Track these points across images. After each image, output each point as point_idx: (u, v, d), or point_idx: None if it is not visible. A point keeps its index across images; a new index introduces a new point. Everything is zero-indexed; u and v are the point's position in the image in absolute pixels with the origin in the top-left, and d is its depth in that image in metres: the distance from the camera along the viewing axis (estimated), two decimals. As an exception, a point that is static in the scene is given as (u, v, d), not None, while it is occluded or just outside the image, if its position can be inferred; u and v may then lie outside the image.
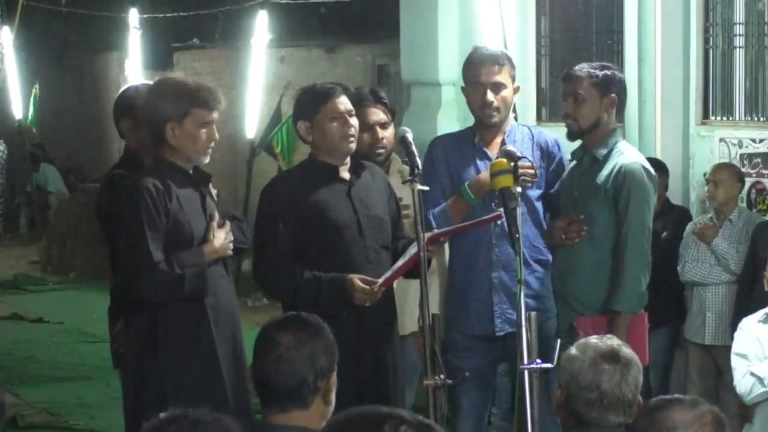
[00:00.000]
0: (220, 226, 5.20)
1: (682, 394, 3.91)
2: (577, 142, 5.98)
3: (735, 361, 6.83)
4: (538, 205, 5.95)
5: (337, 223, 5.41)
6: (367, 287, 5.28)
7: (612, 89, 5.85)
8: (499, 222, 5.52)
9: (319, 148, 5.49)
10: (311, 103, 5.48)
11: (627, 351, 3.94)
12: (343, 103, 5.45)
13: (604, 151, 5.82)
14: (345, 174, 5.50)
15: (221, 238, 5.17)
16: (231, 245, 5.23)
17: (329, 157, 5.48)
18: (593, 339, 4.03)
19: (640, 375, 3.92)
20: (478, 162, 5.91)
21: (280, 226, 5.40)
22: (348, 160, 5.50)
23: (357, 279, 5.29)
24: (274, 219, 5.43)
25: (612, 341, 3.99)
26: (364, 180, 5.53)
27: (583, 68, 5.89)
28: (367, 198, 5.50)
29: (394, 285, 5.76)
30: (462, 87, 6.07)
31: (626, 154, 5.84)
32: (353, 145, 5.48)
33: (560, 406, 3.98)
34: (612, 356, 3.90)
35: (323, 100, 5.44)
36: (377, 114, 6.09)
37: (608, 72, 5.87)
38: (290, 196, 5.43)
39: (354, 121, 5.47)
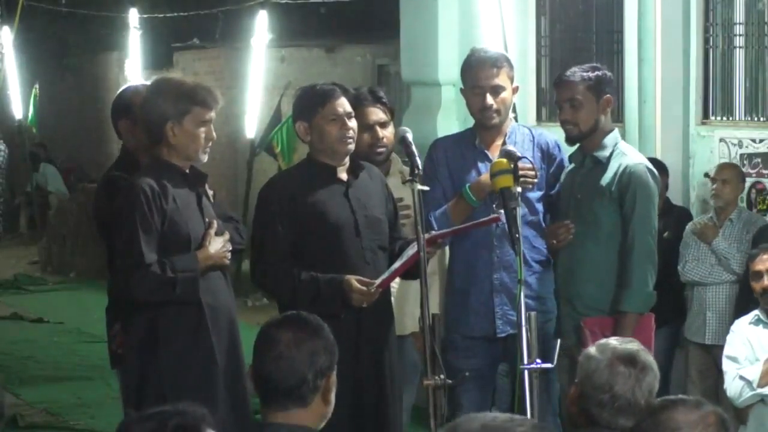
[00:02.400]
0: (219, 234, 5.21)
1: (682, 394, 3.90)
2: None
3: (726, 365, 6.84)
4: (539, 206, 5.95)
5: (334, 223, 5.40)
6: (364, 288, 5.28)
7: (606, 90, 5.84)
8: (499, 223, 5.52)
9: (317, 149, 5.50)
10: (310, 104, 5.48)
11: (645, 356, 3.92)
12: (342, 105, 5.45)
13: (606, 153, 5.81)
14: (343, 174, 5.50)
15: (217, 246, 5.17)
16: (228, 254, 5.23)
17: (327, 158, 5.48)
18: (613, 340, 4.01)
19: (655, 381, 3.90)
20: (479, 164, 5.90)
21: (278, 226, 5.40)
22: (346, 160, 5.50)
23: (354, 280, 5.29)
24: (271, 219, 5.43)
25: (632, 345, 3.97)
26: (361, 180, 5.53)
27: (575, 72, 5.86)
28: (365, 198, 5.50)
29: (394, 286, 5.76)
30: (461, 89, 6.06)
31: (629, 155, 5.84)
32: (351, 147, 5.47)
33: (573, 403, 3.97)
34: (629, 359, 3.89)
35: (322, 101, 5.44)
36: (377, 113, 6.08)
37: (599, 73, 5.86)
38: (288, 196, 5.43)
39: (352, 123, 5.47)
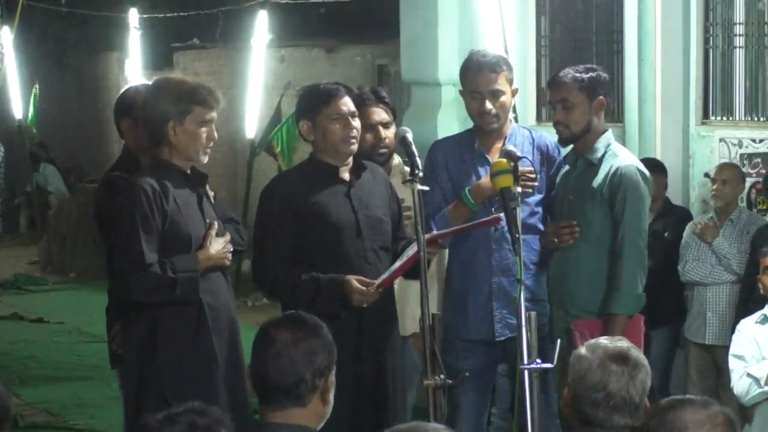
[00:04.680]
0: (220, 235, 5.20)
1: (682, 394, 3.89)
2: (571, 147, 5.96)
3: (732, 363, 6.83)
4: (538, 209, 5.93)
5: (335, 223, 5.40)
6: (364, 288, 5.28)
7: (599, 91, 5.81)
8: (498, 227, 5.52)
9: (320, 148, 5.50)
10: (314, 103, 5.48)
11: (636, 353, 3.93)
12: (346, 104, 5.45)
13: (598, 155, 5.80)
14: (345, 174, 5.50)
15: (218, 246, 5.17)
16: (229, 255, 5.23)
17: (330, 158, 5.48)
18: (603, 339, 4.02)
19: (648, 378, 3.91)
20: (479, 168, 5.88)
21: (280, 226, 5.41)
22: (350, 160, 5.50)
23: (354, 280, 5.29)
24: (273, 219, 5.43)
25: (622, 343, 3.98)
26: (364, 180, 5.53)
27: (568, 74, 5.83)
28: (367, 199, 5.50)
29: (395, 286, 5.75)
30: (460, 91, 6.05)
31: (620, 157, 5.82)
32: (354, 147, 5.48)
33: (567, 404, 3.97)
34: (621, 357, 3.90)
35: (326, 100, 5.44)
36: (379, 114, 6.09)
37: (593, 74, 5.83)
38: (290, 196, 5.43)
39: (356, 122, 5.47)
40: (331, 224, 5.40)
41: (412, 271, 5.23)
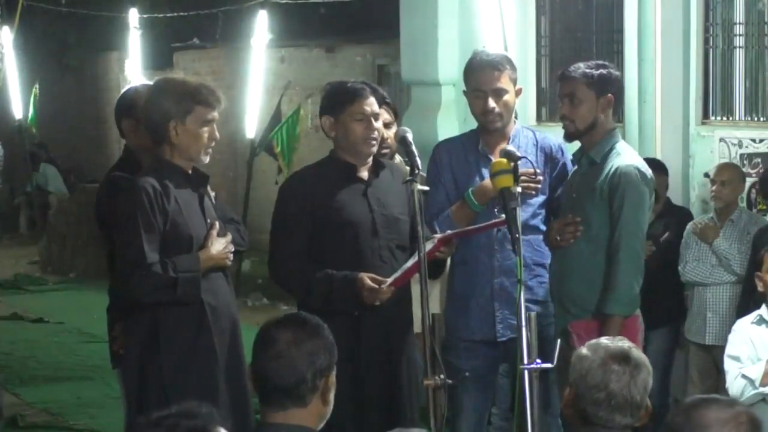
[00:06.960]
0: (221, 235, 5.21)
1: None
2: (577, 144, 5.95)
3: (728, 364, 6.83)
4: (541, 210, 5.92)
5: (351, 221, 5.42)
6: (376, 286, 5.29)
7: (608, 89, 5.77)
8: (500, 228, 5.51)
9: (340, 146, 5.52)
10: (339, 100, 5.49)
11: (638, 353, 3.94)
12: (370, 105, 5.47)
13: (602, 153, 5.77)
14: (364, 173, 5.52)
15: (219, 246, 5.17)
16: (230, 256, 5.23)
17: (350, 156, 5.50)
18: (604, 339, 4.03)
19: (649, 378, 3.91)
20: (483, 168, 5.86)
21: (296, 222, 5.43)
22: (369, 159, 5.52)
23: (366, 277, 5.31)
24: (290, 215, 5.46)
25: (623, 343, 3.98)
26: (382, 180, 5.55)
27: (578, 68, 5.80)
28: (385, 198, 5.52)
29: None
30: (464, 91, 6.04)
31: (623, 156, 5.78)
32: (374, 148, 5.51)
33: (568, 405, 3.98)
34: (622, 357, 3.90)
35: (351, 99, 5.46)
36: (382, 114, 6.09)
37: (604, 71, 5.78)
38: (307, 193, 5.46)
39: (378, 124, 5.50)
40: (347, 222, 5.42)
41: (431, 270, 5.22)
